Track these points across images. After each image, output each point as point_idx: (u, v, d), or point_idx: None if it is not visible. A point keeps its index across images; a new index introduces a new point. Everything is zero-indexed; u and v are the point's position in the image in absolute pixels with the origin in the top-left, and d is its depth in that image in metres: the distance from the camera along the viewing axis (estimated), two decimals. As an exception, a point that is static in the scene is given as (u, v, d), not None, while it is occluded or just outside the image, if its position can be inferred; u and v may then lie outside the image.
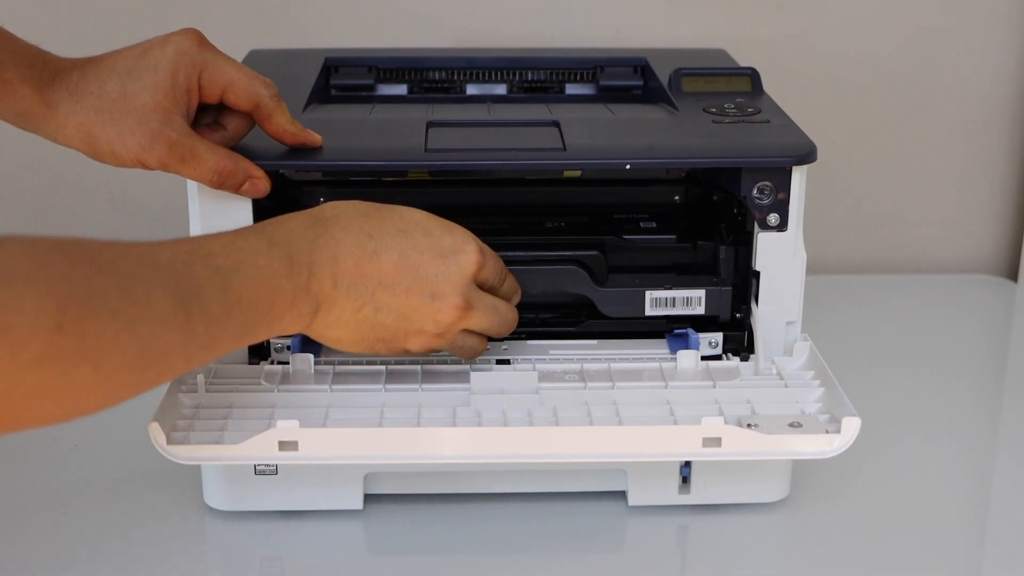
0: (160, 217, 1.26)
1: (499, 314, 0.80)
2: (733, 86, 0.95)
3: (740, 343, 0.87)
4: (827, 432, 0.76)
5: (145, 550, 0.81)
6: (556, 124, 0.86)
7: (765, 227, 0.83)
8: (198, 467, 0.84)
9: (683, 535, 0.84)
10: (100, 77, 0.76)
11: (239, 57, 1.06)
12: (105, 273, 0.59)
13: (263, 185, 0.80)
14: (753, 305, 0.85)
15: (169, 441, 0.74)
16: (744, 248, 0.86)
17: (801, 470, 0.87)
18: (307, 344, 0.86)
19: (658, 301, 0.87)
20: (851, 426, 0.75)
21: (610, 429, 0.76)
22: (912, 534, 0.84)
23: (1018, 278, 1.29)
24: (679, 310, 0.87)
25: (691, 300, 0.87)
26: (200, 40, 0.78)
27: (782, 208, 0.83)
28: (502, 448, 0.74)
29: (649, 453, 0.75)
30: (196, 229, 0.82)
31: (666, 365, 0.85)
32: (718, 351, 0.88)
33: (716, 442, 0.75)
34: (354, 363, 0.85)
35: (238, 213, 0.81)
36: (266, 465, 0.82)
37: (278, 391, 0.82)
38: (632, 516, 0.85)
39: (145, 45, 0.77)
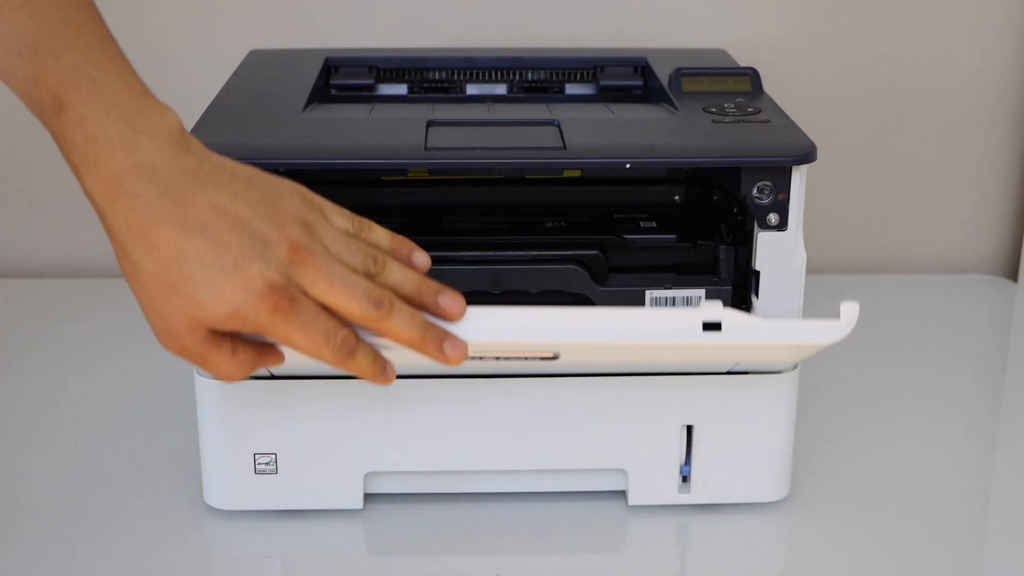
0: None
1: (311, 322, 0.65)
2: (733, 86, 0.95)
3: (740, 343, 0.87)
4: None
5: (145, 549, 0.81)
6: (556, 123, 0.86)
7: (765, 227, 0.83)
8: (198, 466, 0.84)
9: (683, 535, 0.84)
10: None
11: (239, 57, 1.06)
12: None
13: None
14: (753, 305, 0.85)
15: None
16: (744, 248, 0.86)
17: (801, 470, 0.87)
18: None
19: (658, 301, 0.87)
20: (850, 311, 0.73)
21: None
22: (912, 534, 0.84)
23: (1018, 278, 1.29)
24: (679, 310, 0.87)
25: (691, 300, 0.87)
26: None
27: (782, 208, 0.83)
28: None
29: (647, 332, 0.72)
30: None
31: (666, 364, 0.85)
32: (718, 351, 0.87)
33: (716, 327, 0.72)
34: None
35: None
36: (266, 464, 0.82)
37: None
38: (632, 516, 0.85)
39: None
